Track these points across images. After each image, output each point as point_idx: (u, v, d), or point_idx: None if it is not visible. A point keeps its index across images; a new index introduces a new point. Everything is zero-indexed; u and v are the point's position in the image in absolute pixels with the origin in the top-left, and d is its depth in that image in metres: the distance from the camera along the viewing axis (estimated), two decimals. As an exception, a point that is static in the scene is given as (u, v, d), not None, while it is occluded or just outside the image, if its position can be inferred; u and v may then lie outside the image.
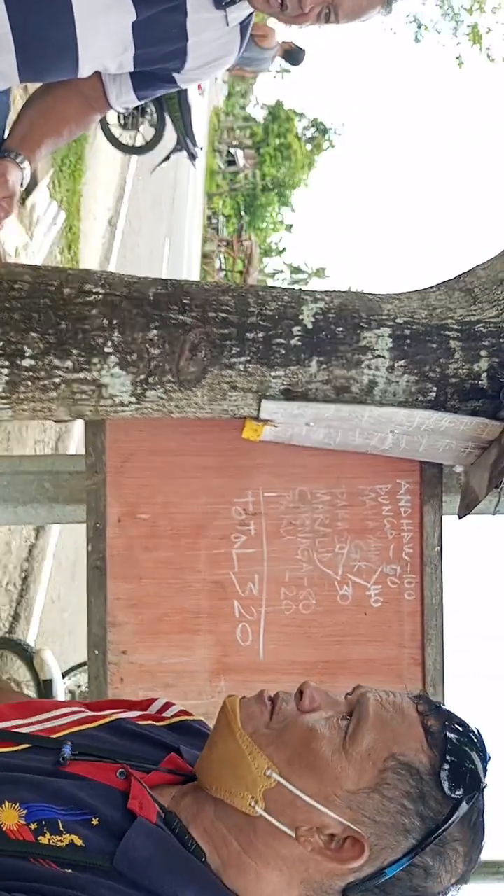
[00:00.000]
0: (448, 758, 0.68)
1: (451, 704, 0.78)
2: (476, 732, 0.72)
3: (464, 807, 0.68)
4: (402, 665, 1.55)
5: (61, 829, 0.66)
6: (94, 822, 0.68)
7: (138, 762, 0.77)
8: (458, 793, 0.68)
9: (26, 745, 0.76)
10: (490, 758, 0.72)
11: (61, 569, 4.54)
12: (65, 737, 0.78)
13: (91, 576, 1.51)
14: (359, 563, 1.54)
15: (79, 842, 0.66)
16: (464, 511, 1.49)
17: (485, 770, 0.70)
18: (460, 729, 0.71)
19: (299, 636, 1.54)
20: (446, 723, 0.71)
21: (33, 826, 0.66)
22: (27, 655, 2.96)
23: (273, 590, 1.54)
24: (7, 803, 0.67)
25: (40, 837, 0.65)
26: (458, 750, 0.69)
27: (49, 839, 0.65)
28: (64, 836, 0.66)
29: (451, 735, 0.70)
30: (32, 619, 3.90)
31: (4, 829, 0.65)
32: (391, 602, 1.55)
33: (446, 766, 0.68)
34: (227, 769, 0.71)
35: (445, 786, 0.68)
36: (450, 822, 0.67)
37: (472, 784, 0.68)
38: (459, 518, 1.52)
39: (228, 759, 0.71)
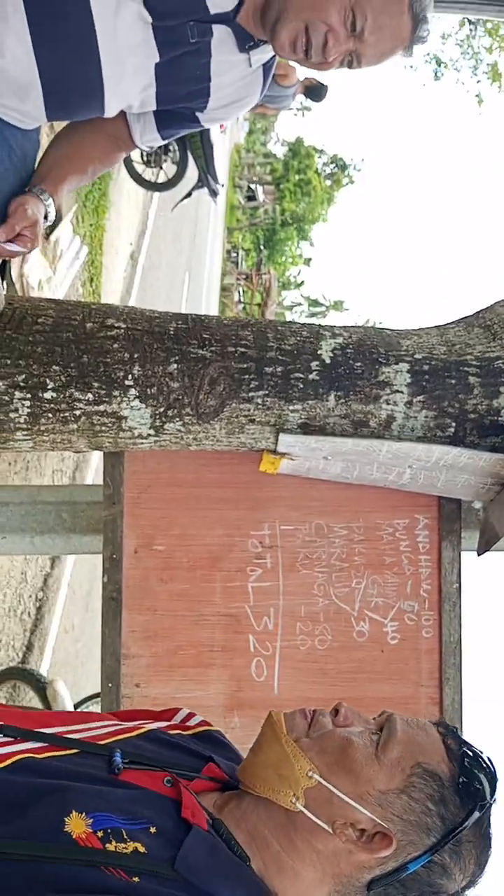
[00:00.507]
0: (465, 769, 0.78)
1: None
2: (488, 757, 0.82)
3: (477, 813, 0.77)
4: (420, 704, 1.52)
5: (125, 837, 0.71)
6: (152, 830, 0.73)
7: (180, 770, 0.82)
8: (473, 800, 0.77)
9: (76, 750, 0.80)
10: (497, 779, 0.81)
11: (75, 598, 4.53)
12: (112, 744, 0.83)
13: (106, 607, 1.51)
14: (376, 599, 1.53)
15: (142, 849, 0.70)
16: (483, 548, 1.48)
17: (493, 788, 0.79)
18: (473, 752, 0.81)
19: (314, 672, 1.53)
20: (462, 744, 0.82)
21: (100, 834, 0.70)
22: (40, 686, 2.95)
23: (289, 624, 1.53)
24: (74, 812, 0.71)
25: (107, 845, 0.69)
26: (473, 764, 0.79)
27: (115, 847, 0.69)
28: (128, 843, 0.70)
29: (466, 753, 0.80)
30: (46, 649, 3.89)
31: (74, 836, 0.69)
32: (408, 639, 1.53)
33: (464, 777, 0.78)
34: (271, 770, 0.79)
35: (463, 793, 0.77)
36: (466, 823, 0.76)
37: (485, 794, 0.78)
38: (479, 555, 1.51)
39: (273, 761, 0.79)
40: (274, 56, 1.34)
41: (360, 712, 0.84)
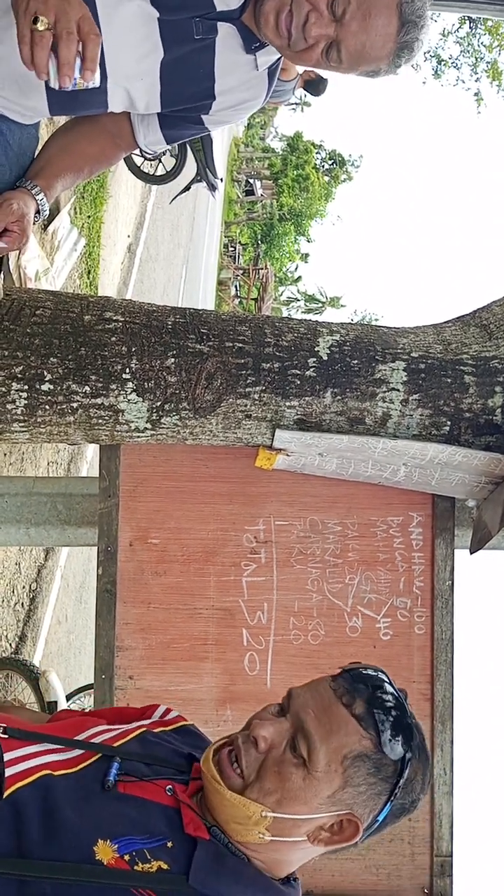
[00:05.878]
0: (381, 730, 0.84)
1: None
2: (378, 681, 0.88)
3: (409, 755, 0.85)
4: (411, 699, 1.53)
5: (148, 857, 0.78)
6: (169, 845, 0.81)
7: (173, 772, 0.90)
8: (399, 749, 0.84)
9: (97, 756, 0.87)
10: (401, 691, 0.89)
11: (69, 590, 4.54)
12: (121, 747, 0.90)
13: (100, 599, 1.52)
14: (369, 595, 1.54)
15: (165, 866, 0.78)
16: (476, 546, 1.49)
17: (409, 732, 0.85)
18: (374, 695, 0.86)
19: (307, 667, 1.53)
20: (366, 702, 0.86)
21: (126, 857, 0.77)
22: (33, 676, 2.95)
23: (282, 619, 1.53)
24: (100, 841, 0.77)
25: (135, 867, 0.77)
26: (383, 718, 0.85)
27: (142, 868, 0.77)
28: (152, 862, 0.78)
29: (373, 710, 0.85)
30: (39, 640, 3.89)
31: (105, 863, 0.76)
32: (401, 635, 1.54)
33: (383, 738, 0.84)
34: (230, 820, 0.85)
35: (389, 752, 0.84)
36: (405, 772, 0.85)
37: (406, 734, 0.85)
38: (471, 553, 1.52)
39: (229, 814, 0.85)
40: (279, 59, 1.33)
41: (272, 722, 0.88)
